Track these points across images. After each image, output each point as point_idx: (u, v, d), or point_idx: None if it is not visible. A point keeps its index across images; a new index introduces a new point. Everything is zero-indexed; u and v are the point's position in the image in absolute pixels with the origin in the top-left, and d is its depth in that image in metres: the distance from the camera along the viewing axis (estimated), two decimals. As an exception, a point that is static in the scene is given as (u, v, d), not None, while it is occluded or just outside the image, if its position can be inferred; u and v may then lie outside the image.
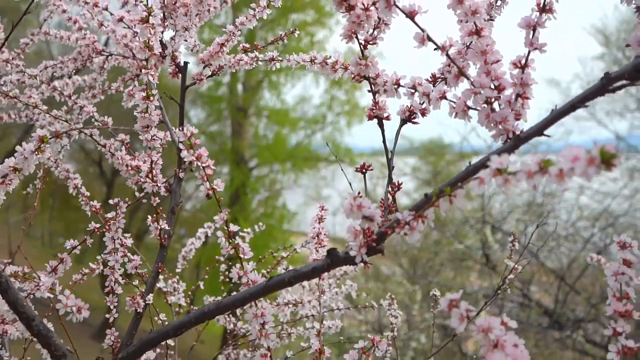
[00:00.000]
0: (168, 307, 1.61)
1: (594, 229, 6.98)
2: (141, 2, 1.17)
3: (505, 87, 0.76)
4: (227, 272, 1.80)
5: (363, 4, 0.78)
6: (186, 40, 1.22)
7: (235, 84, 10.47)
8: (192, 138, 0.75)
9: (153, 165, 1.14)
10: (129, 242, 1.18)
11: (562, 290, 6.41)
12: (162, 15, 1.22)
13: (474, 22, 0.76)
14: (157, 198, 1.17)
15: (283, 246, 1.71)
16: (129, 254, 1.19)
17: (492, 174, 0.57)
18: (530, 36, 0.75)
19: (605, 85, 0.66)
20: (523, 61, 0.75)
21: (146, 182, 1.16)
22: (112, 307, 1.16)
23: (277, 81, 10.67)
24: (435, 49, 0.80)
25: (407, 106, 0.90)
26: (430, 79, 0.87)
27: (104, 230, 1.15)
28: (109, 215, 1.12)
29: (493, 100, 0.76)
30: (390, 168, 0.90)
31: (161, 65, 1.28)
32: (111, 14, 1.33)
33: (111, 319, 1.16)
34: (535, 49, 0.74)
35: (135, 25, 1.26)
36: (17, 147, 0.89)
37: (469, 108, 0.79)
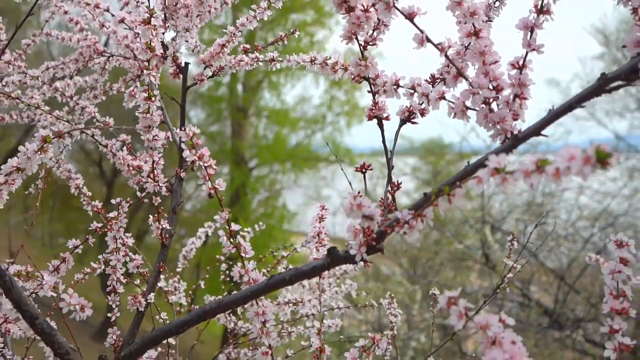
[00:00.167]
0: (168, 307, 1.62)
1: (594, 229, 6.99)
2: (142, 3, 1.17)
3: (503, 88, 0.76)
4: (227, 272, 1.81)
5: (363, 6, 0.79)
6: (187, 41, 1.23)
7: (235, 84, 10.47)
8: (194, 138, 0.75)
9: (155, 165, 1.14)
10: (131, 241, 1.19)
11: (561, 290, 6.42)
12: (163, 16, 1.23)
13: (473, 24, 0.77)
14: (158, 198, 1.18)
15: (283, 246, 1.72)
16: (130, 254, 1.20)
17: (490, 173, 0.58)
18: (528, 37, 0.75)
19: (602, 86, 0.67)
20: (521, 62, 0.76)
21: (148, 182, 1.16)
22: (114, 306, 1.17)
23: (277, 81, 10.68)
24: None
25: (406, 106, 0.91)
26: (429, 80, 0.88)
27: (106, 229, 1.16)
28: (111, 214, 1.13)
29: (491, 100, 0.77)
30: (390, 168, 0.90)
31: (162, 66, 1.28)
32: (112, 15, 1.34)
33: (113, 318, 1.17)
34: (533, 50, 0.75)
35: (136, 26, 1.27)
36: (20, 147, 0.90)
37: (468, 108, 0.79)
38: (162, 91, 1.27)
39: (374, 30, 0.87)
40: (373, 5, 0.78)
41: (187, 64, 1.28)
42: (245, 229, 1.64)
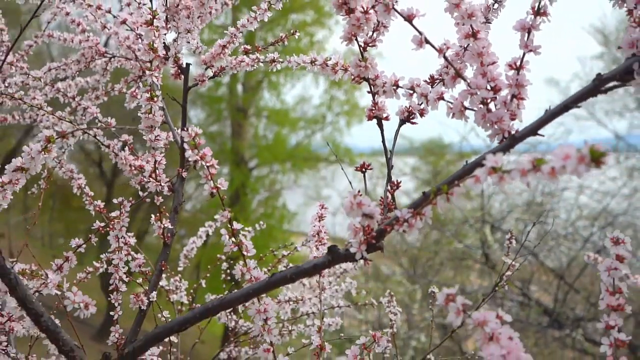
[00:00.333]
0: (170, 306, 1.63)
1: (593, 228, 7.00)
2: (144, 4, 1.19)
3: (501, 88, 0.78)
4: (228, 270, 1.83)
5: (362, 8, 0.80)
6: (189, 42, 1.24)
7: (235, 85, 10.48)
8: (196, 138, 0.77)
9: (157, 165, 1.16)
10: (133, 241, 1.20)
11: (561, 290, 6.43)
12: (164, 17, 1.24)
13: (471, 25, 0.78)
14: (160, 197, 1.19)
15: (284, 245, 1.73)
16: (132, 253, 1.21)
17: (488, 172, 0.59)
18: (525, 38, 0.77)
19: (597, 86, 0.68)
20: (518, 63, 0.77)
21: (150, 181, 1.18)
22: (116, 304, 1.18)
23: (276, 81, 10.69)
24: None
25: (405, 107, 0.92)
26: (428, 80, 0.89)
27: (108, 229, 1.17)
28: (114, 214, 1.14)
29: (489, 100, 0.78)
30: (390, 167, 0.92)
31: (163, 67, 1.30)
32: (114, 17, 1.35)
33: (116, 316, 1.18)
34: (530, 51, 0.76)
35: (138, 27, 1.28)
36: (24, 147, 0.91)
37: (466, 108, 0.81)
38: (163, 92, 1.28)
39: (373, 32, 0.88)
40: (373, 7, 0.80)
41: (188, 64, 1.30)
42: (246, 228, 1.65)
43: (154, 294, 1.16)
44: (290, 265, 1.71)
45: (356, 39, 0.86)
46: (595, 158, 0.49)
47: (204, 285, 1.81)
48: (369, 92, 0.93)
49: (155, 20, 1.01)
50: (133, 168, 1.26)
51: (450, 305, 0.63)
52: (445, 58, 0.82)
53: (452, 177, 0.73)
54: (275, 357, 0.85)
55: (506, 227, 7.18)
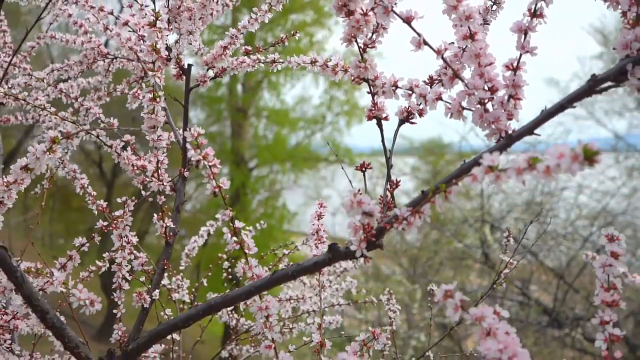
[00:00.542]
0: (171, 305, 1.65)
1: (593, 228, 7.01)
2: (147, 6, 1.20)
3: (498, 89, 0.79)
4: (229, 269, 1.84)
5: (362, 10, 0.82)
6: (190, 44, 1.25)
7: (234, 85, 10.50)
8: (198, 138, 0.78)
9: (159, 165, 1.17)
10: (135, 240, 1.22)
11: (561, 289, 6.45)
12: (166, 19, 1.25)
13: (468, 27, 0.79)
14: (162, 197, 1.21)
15: (284, 244, 1.75)
16: (135, 252, 1.23)
17: (485, 170, 0.60)
18: (522, 40, 0.78)
19: (592, 87, 0.70)
20: (515, 64, 0.78)
21: (152, 181, 1.19)
22: (119, 302, 1.19)
23: (276, 82, 10.71)
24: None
25: (405, 107, 0.93)
26: (427, 81, 0.91)
27: (111, 228, 1.19)
28: (117, 213, 1.16)
29: (486, 101, 0.79)
30: (389, 166, 0.93)
31: (165, 68, 1.31)
32: (116, 18, 1.37)
33: (119, 315, 1.19)
34: (527, 52, 0.78)
35: (140, 28, 1.30)
36: (29, 148, 0.92)
37: (464, 108, 0.82)
38: (165, 92, 1.30)
39: (373, 33, 0.89)
40: (372, 9, 0.81)
41: (190, 65, 1.31)
42: (247, 228, 1.66)
43: (157, 292, 1.17)
44: (291, 264, 1.72)
45: (356, 41, 0.87)
46: (589, 157, 0.50)
47: (205, 284, 1.83)
48: (368, 93, 0.94)
49: (158, 22, 1.03)
50: (135, 168, 1.27)
51: (449, 301, 0.64)
52: (444, 59, 0.83)
53: (451, 176, 0.74)
54: (276, 354, 0.87)
55: (506, 226, 7.19)
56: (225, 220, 0.83)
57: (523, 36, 0.78)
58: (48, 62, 7.95)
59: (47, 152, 0.90)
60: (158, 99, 1.06)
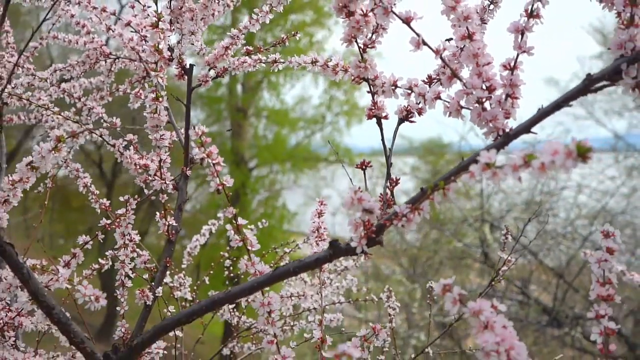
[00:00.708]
0: (172, 302, 1.66)
1: (592, 227, 7.02)
2: (149, 7, 1.22)
3: (495, 88, 0.81)
4: (231, 267, 1.86)
5: (362, 11, 0.83)
6: (192, 44, 1.27)
7: (234, 85, 10.51)
8: (202, 136, 0.80)
9: (162, 164, 1.19)
10: (137, 238, 1.23)
11: (560, 288, 6.46)
12: (168, 20, 1.27)
13: (467, 27, 0.81)
14: (165, 195, 1.22)
15: (285, 242, 1.76)
16: (137, 250, 1.24)
17: (482, 168, 0.62)
18: (519, 40, 0.80)
19: (587, 86, 0.71)
20: (512, 63, 0.80)
21: (155, 179, 1.21)
22: (122, 299, 1.21)
23: (276, 82, 10.72)
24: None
25: (404, 106, 0.95)
26: (426, 80, 0.92)
27: (114, 226, 1.20)
28: (120, 211, 1.17)
29: (484, 100, 0.81)
30: (389, 164, 0.95)
31: (167, 68, 1.33)
32: (119, 19, 1.38)
33: (122, 312, 1.21)
34: (524, 51, 0.79)
35: (142, 29, 1.31)
36: (35, 147, 0.94)
37: (462, 107, 0.84)
38: (167, 92, 1.31)
39: (372, 34, 0.91)
40: (372, 10, 0.83)
41: (192, 65, 1.32)
42: (249, 226, 1.67)
43: (160, 289, 1.19)
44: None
45: (356, 41, 0.89)
46: (582, 153, 0.52)
47: (207, 282, 1.84)
48: (368, 92, 0.95)
49: (160, 23, 1.04)
50: (138, 167, 1.29)
51: (447, 295, 0.65)
52: (442, 59, 0.85)
53: (449, 174, 0.76)
54: (278, 349, 0.88)
55: (505, 225, 7.19)
56: (229, 216, 0.84)
57: (520, 36, 0.79)
58: (48, 63, 7.97)
59: (53, 151, 0.91)
60: (161, 99, 1.07)
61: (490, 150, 0.62)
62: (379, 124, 0.96)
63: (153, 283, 1.22)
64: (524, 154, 0.57)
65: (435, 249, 7.82)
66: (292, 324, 1.62)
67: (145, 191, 1.27)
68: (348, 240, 0.82)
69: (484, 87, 0.81)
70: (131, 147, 1.30)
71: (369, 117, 0.96)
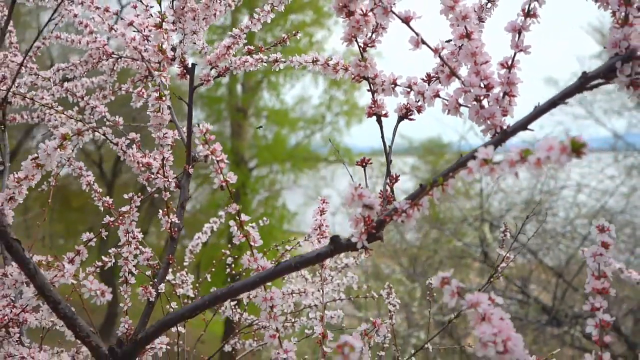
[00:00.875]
0: (175, 299, 1.67)
1: (592, 227, 7.02)
2: (152, 7, 1.23)
3: (493, 86, 0.82)
4: (232, 265, 1.88)
5: (362, 10, 0.85)
6: (195, 43, 1.28)
7: (234, 85, 10.52)
8: (207, 134, 0.81)
9: (164, 162, 1.20)
10: (140, 235, 1.25)
11: (560, 287, 6.48)
12: (171, 19, 1.28)
13: (465, 26, 0.82)
14: (167, 193, 1.24)
15: (287, 240, 1.78)
16: (140, 247, 1.26)
17: (479, 164, 0.63)
18: (516, 39, 0.81)
19: (583, 84, 0.73)
20: (509, 62, 0.82)
21: (157, 177, 1.22)
22: (125, 296, 1.22)
23: (276, 82, 10.73)
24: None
25: (403, 104, 0.96)
26: (425, 79, 0.94)
27: (117, 223, 1.22)
28: (123, 208, 1.19)
29: (482, 98, 0.82)
30: (389, 161, 0.96)
31: (169, 67, 1.34)
32: (121, 19, 1.40)
33: (125, 308, 1.23)
34: (521, 50, 0.81)
35: (144, 29, 1.33)
36: (40, 144, 0.95)
37: (461, 105, 0.85)
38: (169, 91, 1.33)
39: (372, 33, 0.93)
40: (371, 9, 0.84)
41: (194, 65, 1.34)
42: (250, 224, 1.69)
43: (162, 285, 1.20)
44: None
45: (356, 40, 0.90)
46: (576, 149, 0.53)
47: (209, 279, 1.86)
48: (368, 91, 0.97)
49: (164, 23, 1.06)
50: (140, 165, 1.30)
51: (446, 287, 0.67)
52: (441, 57, 0.86)
53: (448, 170, 0.77)
54: (280, 343, 0.90)
55: (503, 222, 7.20)
56: (232, 212, 0.86)
57: (517, 35, 0.81)
58: (48, 62, 7.99)
59: (58, 149, 0.93)
60: (164, 98, 1.09)
61: (487, 147, 0.64)
62: (379, 121, 0.97)
63: (155, 280, 1.24)
64: (520, 150, 0.59)
65: (435, 249, 7.83)
66: (292, 320, 1.63)
67: (148, 189, 1.28)
68: (349, 236, 0.84)
69: (482, 85, 0.83)
70: (134, 146, 1.32)
71: (369, 115, 0.97)
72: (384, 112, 0.97)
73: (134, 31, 1.37)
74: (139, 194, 1.30)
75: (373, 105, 0.97)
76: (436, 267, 7.94)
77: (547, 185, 7.48)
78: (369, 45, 0.93)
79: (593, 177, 7.77)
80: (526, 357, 0.62)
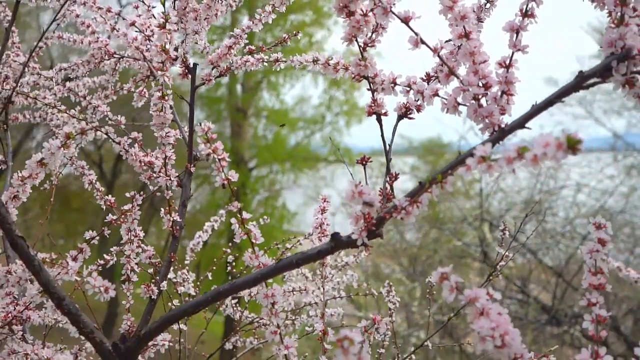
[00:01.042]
0: (176, 297, 1.69)
1: (590, 225, 7.03)
2: (154, 7, 1.24)
3: (491, 85, 0.83)
4: (233, 263, 1.89)
5: (362, 10, 0.86)
6: (196, 43, 1.29)
7: (234, 85, 10.53)
8: (208, 133, 0.82)
9: (167, 161, 1.21)
10: (142, 234, 1.26)
11: (559, 287, 6.49)
12: (174, 20, 1.29)
13: (463, 26, 0.83)
14: (169, 191, 1.25)
15: (287, 238, 1.79)
16: (142, 245, 1.27)
17: (477, 161, 0.65)
18: (514, 38, 0.82)
19: (579, 83, 0.74)
20: (507, 61, 0.83)
21: (159, 176, 1.23)
22: (128, 294, 1.23)
23: (276, 82, 10.74)
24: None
25: (403, 103, 0.98)
26: (424, 78, 0.95)
27: (120, 222, 1.23)
28: (126, 207, 1.20)
29: (480, 96, 0.83)
30: (388, 160, 0.97)
31: (171, 67, 1.35)
32: (123, 19, 1.41)
33: (127, 306, 1.24)
34: (519, 50, 0.82)
35: (146, 29, 1.34)
36: (44, 143, 0.97)
37: (459, 104, 0.86)
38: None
39: (372, 33, 0.94)
40: (371, 10, 0.85)
41: (195, 64, 1.35)
42: (251, 223, 1.70)
43: (164, 283, 1.21)
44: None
45: (356, 40, 0.91)
46: (572, 145, 0.54)
47: (210, 277, 1.87)
48: (368, 90, 0.98)
49: (167, 24, 1.07)
50: (142, 164, 1.31)
51: (445, 283, 0.68)
52: (440, 57, 0.88)
53: (446, 168, 0.78)
54: (282, 339, 0.91)
55: (502, 221, 7.21)
56: (234, 210, 0.87)
57: (515, 35, 0.82)
58: (48, 62, 8.00)
59: (62, 148, 0.94)
60: (166, 97, 1.10)
61: (485, 144, 0.65)
62: (379, 120, 0.99)
63: (157, 277, 1.25)
64: (517, 147, 0.60)
65: (435, 248, 7.85)
66: (293, 318, 1.64)
67: (150, 187, 1.29)
68: (349, 234, 0.85)
69: (480, 84, 0.84)
70: (136, 145, 1.33)
71: (369, 113, 0.98)
72: (383, 111, 0.98)
73: (136, 31, 1.39)
74: (142, 192, 1.31)
75: (373, 104, 0.98)
76: (436, 267, 7.93)
77: (546, 185, 7.50)
78: (369, 45, 0.95)
79: (592, 177, 7.79)
80: (523, 351, 0.63)
